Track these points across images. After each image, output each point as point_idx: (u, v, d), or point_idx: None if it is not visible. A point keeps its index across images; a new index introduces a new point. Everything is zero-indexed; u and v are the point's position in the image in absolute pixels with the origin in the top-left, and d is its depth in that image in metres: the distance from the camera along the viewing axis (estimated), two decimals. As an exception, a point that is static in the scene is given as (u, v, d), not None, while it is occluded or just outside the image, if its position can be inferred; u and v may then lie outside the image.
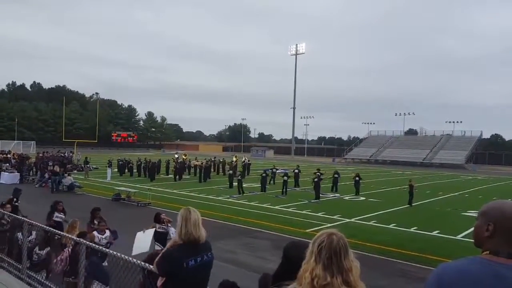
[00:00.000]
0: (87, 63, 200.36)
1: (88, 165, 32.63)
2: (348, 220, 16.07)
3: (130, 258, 4.08)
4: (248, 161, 38.63)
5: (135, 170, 32.67)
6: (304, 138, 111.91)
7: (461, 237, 13.46)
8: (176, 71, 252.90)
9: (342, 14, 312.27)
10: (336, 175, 26.28)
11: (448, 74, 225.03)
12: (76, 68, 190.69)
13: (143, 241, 6.87)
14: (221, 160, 37.92)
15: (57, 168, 24.45)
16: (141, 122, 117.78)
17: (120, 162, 34.06)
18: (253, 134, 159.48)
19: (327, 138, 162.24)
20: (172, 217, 7.29)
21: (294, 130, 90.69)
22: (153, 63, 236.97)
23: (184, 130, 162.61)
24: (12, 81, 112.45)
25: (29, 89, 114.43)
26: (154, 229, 7.85)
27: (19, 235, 7.09)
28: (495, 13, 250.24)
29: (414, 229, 14.66)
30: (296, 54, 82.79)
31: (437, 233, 14.11)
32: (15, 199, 9.98)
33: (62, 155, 37.68)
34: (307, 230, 13.60)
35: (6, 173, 26.31)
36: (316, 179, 21.92)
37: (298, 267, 1.89)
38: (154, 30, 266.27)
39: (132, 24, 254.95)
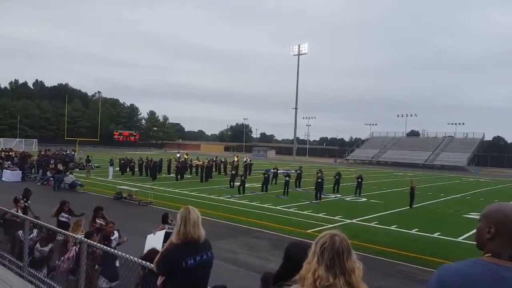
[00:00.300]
0: (90, 62, 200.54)
1: (90, 164, 32.69)
2: (349, 221, 16.06)
3: (128, 256, 4.11)
4: (250, 161, 38.68)
5: (136, 169, 32.75)
6: (306, 139, 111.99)
7: (462, 239, 13.43)
8: (178, 71, 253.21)
9: (343, 14, 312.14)
10: (337, 176, 26.28)
11: (451, 76, 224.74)
12: (79, 66, 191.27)
13: (155, 243, 6.86)
14: (223, 160, 37.99)
15: (60, 167, 24.52)
16: (143, 121, 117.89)
17: (122, 161, 34.13)
18: (255, 134, 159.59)
19: (329, 138, 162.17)
20: (173, 216, 7.29)
21: (296, 131, 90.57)
22: (155, 62, 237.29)
23: (186, 130, 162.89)
24: (15, 79, 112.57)
25: (32, 87, 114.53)
26: (164, 230, 7.82)
27: (20, 233, 7.12)
28: (498, 14, 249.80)
29: (416, 231, 14.65)
30: (298, 54, 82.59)
31: (439, 234, 14.09)
32: (24, 199, 9.94)
33: (64, 153, 37.78)
34: (308, 231, 13.61)
35: (8, 171, 26.40)
36: (319, 180, 21.90)
37: (299, 268, 1.89)
38: (157, 30, 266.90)
39: (135, 23, 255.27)
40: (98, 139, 57.97)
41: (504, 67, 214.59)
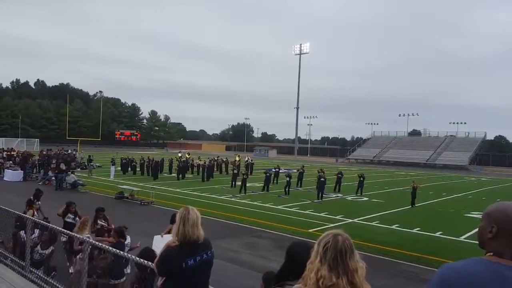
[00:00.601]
0: (91, 61, 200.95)
1: (91, 163, 32.71)
2: (350, 220, 16.06)
3: (126, 254, 4.14)
4: (251, 160, 38.72)
5: (138, 169, 32.78)
6: (307, 138, 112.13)
7: (464, 238, 13.40)
8: (180, 70, 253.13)
9: (344, 13, 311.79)
10: (339, 175, 26.29)
11: (452, 75, 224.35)
12: (80, 66, 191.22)
13: (161, 245, 6.86)
14: (224, 160, 38.02)
15: (62, 166, 24.56)
16: (145, 121, 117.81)
17: (123, 161, 34.16)
18: (256, 134, 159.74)
19: (330, 138, 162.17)
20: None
21: (298, 130, 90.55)
22: (157, 62, 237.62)
23: (187, 129, 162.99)
24: (16, 79, 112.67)
25: (33, 87, 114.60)
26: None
27: (22, 232, 7.13)
28: (499, 14, 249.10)
29: (417, 230, 14.64)
30: (300, 54, 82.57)
31: (440, 234, 14.07)
32: (35, 200, 9.92)
33: (66, 152, 37.80)
34: (309, 230, 13.63)
35: (9, 170, 26.45)
36: (322, 179, 21.88)
37: (301, 267, 1.90)
38: (159, 29, 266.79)
39: (136, 23, 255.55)
40: (99, 139, 57.90)
41: (505, 67, 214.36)
